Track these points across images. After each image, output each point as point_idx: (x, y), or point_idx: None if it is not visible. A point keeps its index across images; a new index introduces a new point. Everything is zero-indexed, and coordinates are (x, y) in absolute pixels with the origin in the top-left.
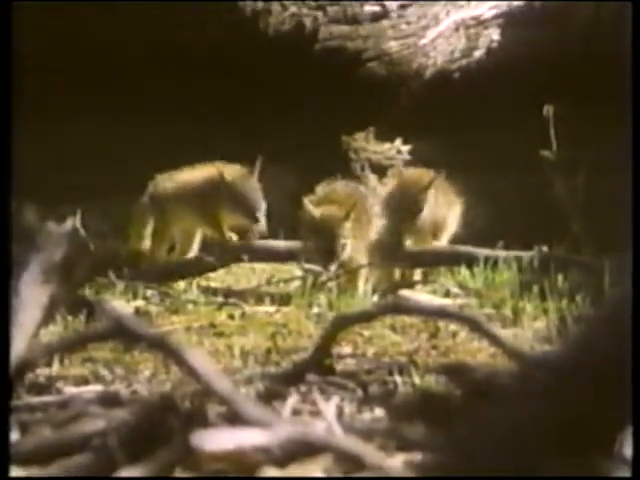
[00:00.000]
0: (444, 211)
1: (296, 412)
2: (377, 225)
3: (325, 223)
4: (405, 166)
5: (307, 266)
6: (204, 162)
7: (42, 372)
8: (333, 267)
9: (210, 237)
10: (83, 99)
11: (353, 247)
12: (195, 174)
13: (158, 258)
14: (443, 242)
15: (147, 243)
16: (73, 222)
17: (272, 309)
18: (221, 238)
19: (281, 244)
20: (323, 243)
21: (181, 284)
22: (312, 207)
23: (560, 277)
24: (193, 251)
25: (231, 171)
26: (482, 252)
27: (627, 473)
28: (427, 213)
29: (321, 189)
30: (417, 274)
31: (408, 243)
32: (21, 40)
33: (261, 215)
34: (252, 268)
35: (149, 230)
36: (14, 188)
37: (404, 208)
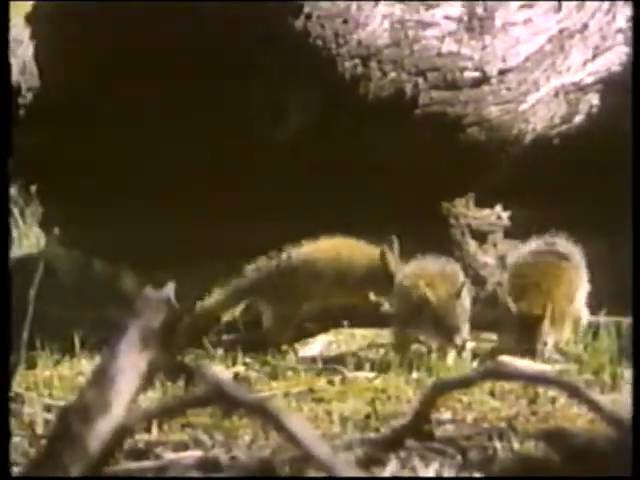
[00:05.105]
0: None
1: (396, 478)
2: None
3: (442, 308)
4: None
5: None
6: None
7: (141, 438)
8: (459, 340)
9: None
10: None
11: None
12: (345, 253)
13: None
14: None
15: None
16: (171, 288)
17: (371, 375)
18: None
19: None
20: (443, 326)
21: (280, 349)
22: (428, 290)
23: None
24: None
25: (367, 252)
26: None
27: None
28: None
29: (414, 266)
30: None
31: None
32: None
33: None
34: (352, 333)
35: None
36: (113, 254)
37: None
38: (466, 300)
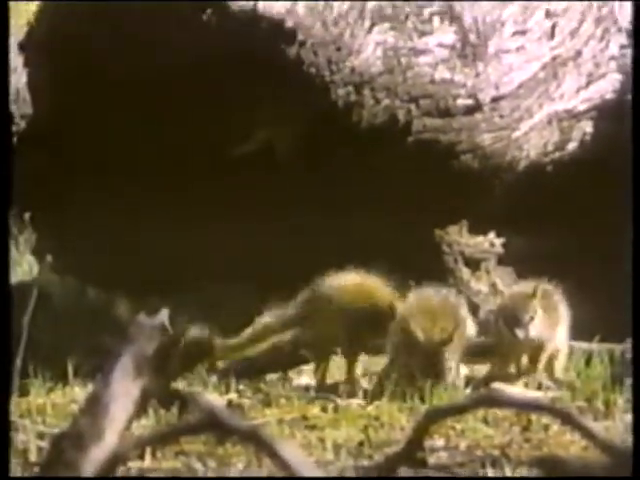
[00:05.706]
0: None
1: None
2: (469, 325)
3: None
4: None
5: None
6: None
7: (134, 465)
8: (446, 381)
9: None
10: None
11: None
12: (363, 295)
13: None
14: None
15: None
16: (165, 315)
17: (364, 402)
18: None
19: None
20: (427, 364)
21: (274, 377)
22: (417, 329)
23: None
24: None
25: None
26: (576, 345)
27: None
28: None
29: (414, 298)
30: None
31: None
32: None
33: None
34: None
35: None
36: (106, 281)
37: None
38: (462, 339)
